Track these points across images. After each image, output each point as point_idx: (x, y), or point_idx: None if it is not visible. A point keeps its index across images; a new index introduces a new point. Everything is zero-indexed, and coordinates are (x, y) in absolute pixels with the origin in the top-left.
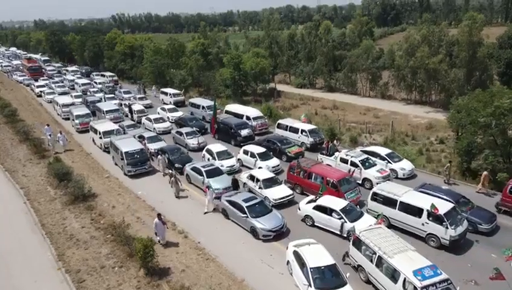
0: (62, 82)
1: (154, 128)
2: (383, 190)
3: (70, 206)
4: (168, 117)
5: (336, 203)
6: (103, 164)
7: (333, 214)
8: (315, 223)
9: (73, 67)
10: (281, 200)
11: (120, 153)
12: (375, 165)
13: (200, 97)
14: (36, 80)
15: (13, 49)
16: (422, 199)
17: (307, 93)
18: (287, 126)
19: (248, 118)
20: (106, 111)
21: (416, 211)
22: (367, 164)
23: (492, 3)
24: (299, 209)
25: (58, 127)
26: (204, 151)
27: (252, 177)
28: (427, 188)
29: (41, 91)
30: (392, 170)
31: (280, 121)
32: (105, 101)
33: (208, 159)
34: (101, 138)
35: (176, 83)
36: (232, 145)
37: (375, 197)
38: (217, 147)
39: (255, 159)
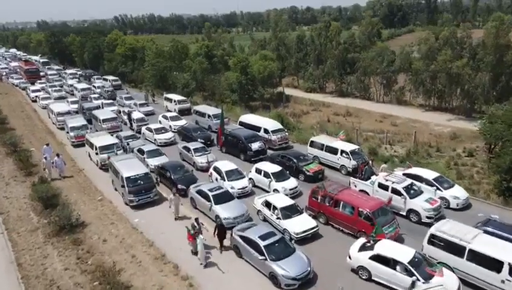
0: (61, 86)
1: (155, 140)
2: (445, 233)
3: (54, 239)
4: (170, 126)
5: (401, 252)
6: (97, 183)
7: (398, 267)
8: (373, 278)
9: (72, 70)
10: (304, 234)
11: (121, 178)
12: (422, 192)
13: (204, 104)
14: (33, 84)
15: (13, 50)
16: (501, 247)
17: (316, 98)
18: (323, 145)
19: (266, 131)
20: (103, 120)
21: (494, 264)
22: (412, 191)
23: (501, 4)
24: (350, 257)
25: (51, 138)
26: (211, 170)
27: (267, 204)
28: (494, 226)
29: (36, 96)
30: (442, 198)
31: (314, 139)
32: (103, 107)
33: (216, 179)
34: (97, 153)
35: (178, 87)
36: (241, 160)
37: (434, 240)
38: (226, 165)
39: (270, 179)
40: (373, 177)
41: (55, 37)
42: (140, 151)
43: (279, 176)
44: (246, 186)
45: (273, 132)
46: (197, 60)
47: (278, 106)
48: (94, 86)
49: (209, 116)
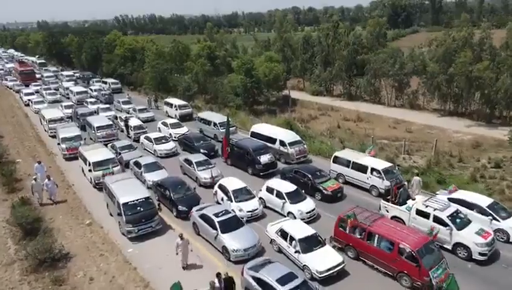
0: (57, 89)
1: (154, 151)
2: None
3: (32, 276)
4: (170, 134)
5: None
6: (88, 202)
7: None
8: None
9: (69, 72)
10: (329, 272)
11: (117, 204)
12: (470, 222)
13: (207, 109)
14: (27, 86)
15: (11, 51)
16: None
17: (324, 102)
18: (349, 162)
19: (283, 143)
20: (97, 127)
21: None
22: (458, 220)
23: (507, 4)
24: None
25: (41, 147)
26: (216, 188)
27: (283, 234)
28: None
29: (29, 99)
30: (498, 230)
31: (339, 154)
32: (98, 113)
33: (222, 199)
34: (90, 170)
35: (180, 90)
36: (249, 174)
37: None
38: (233, 182)
39: (284, 201)
40: (409, 202)
41: (52, 37)
42: (137, 164)
43: (294, 197)
44: (257, 209)
45: (291, 144)
46: (199, 62)
47: (285, 110)
48: (91, 89)
49: (215, 124)
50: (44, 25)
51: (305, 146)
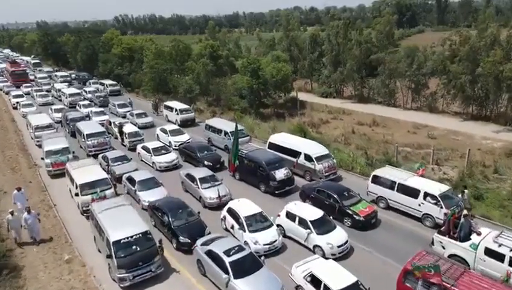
0: (48, 91)
1: (153, 163)
2: None
3: None
4: (169, 142)
5: None
6: (71, 230)
7: None
8: None
9: (63, 72)
10: None
11: (106, 241)
12: None
13: (214, 115)
14: (18, 87)
15: (7, 51)
16: None
17: (334, 104)
18: (394, 183)
19: (308, 157)
20: (87, 135)
21: None
22: None
23: None
24: None
25: (24, 157)
26: (225, 212)
27: (315, 281)
28: None
29: (17, 102)
30: None
31: (379, 173)
32: (90, 118)
33: (232, 227)
34: (77, 194)
35: (180, 92)
36: (262, 191)
37: None
38: (245, 206)
39: (308, 231)
40: (474, 237)
41: (48, 36)
42: (131, 180)
43: (321, 226)
44: (275, 240)
45: (318, 158)
46: (200, 62)
47: (294, 114)
48: (85, 91)
49: (226, 133)
50: (44, 25)
51: (334, 161)
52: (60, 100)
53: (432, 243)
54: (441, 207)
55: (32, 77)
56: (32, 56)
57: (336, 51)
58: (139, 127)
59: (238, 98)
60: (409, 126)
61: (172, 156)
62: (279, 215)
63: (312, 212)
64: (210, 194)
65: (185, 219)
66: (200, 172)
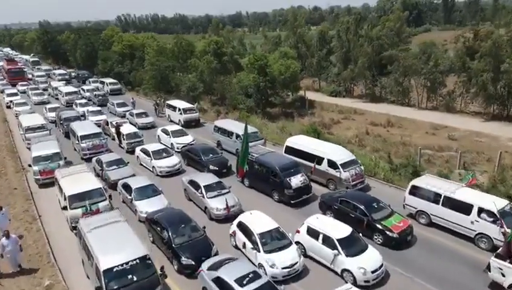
0: (45, 89)
1: (153, 167)
2: None
3: None
4: (171, 144)
5: None
6: (57, 248)
7: None
8: None
9: (60, 71)
10: None
11: (95, 267)
12: None
13: (222, 117)
14: (14, 86)
15: (7, 49)
16: None
17: (344, 104)
18: (439, 196)
19: (332, 163)
20: (81, 136)
21: None
22: None
23: None
24: None
25: (12, 160)
26: (235, 227)
27: None
28: None
29: (11, 101)
30: None
31: (419, 184)
32: (86, 118)
33: (243, 245)
34: (65, 207)
35: (183, 90)
36: (275, 200)
37: None
38: (260, 221)
39: (335, 252)
40: None
41: (48, 34)
42: (126, 187)
43: (351, 245)
44: (296, 263)
45: (344, 165)
46: (204, 59)
47: (303, 114)
48: (83, 89)
49: (238, 136)
50: (46, 25)
51: (362, 168)
52: (57, 99)
53: (488, 268)
54: (500, 226)
55: (30, 76)
56: (32, 54)
57: (346, 48)
58: (139, 128)
59: (244, 97)
60: (427, 127)
61: (174, 160)
62: (298, 232)
63: (339, 229)
64: (217, 204)
65: (188, 235)
66: (205, 178)
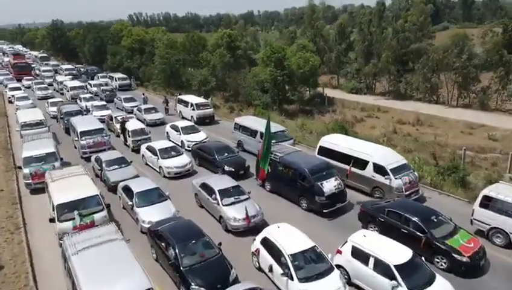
0: (50, 84)
1: (160, 168)
2: None
3: None
4: (182, 141)
5: None
6: (39, 264)
7: None
8: None
9: (67, 66)
10: None
11: None
12: None
13: (249, 115)
14: (19, 80)
15: (18, 46)
16: None
17: (366, 101)
18: None
19: (379, 168)
20: (81, 133)
21: None
22: None
23: None
24: None
25: (4, 157)
26: (259, 244)
27: None
28: None
29: (12, 95)
30: None
31: (493, 194)
32: (90, 112)
33: (270, 270)
34: (52, 219)
35: (194, 85)
36: (303, 209)
37: None
38: (290, 237)
39: (394, 283)
40: None
41: (57, 30)
42: (128, 191)
43: (413, 274)
44: None
45: (394, 171)
46: (217, 52)
47: (323, 111)
48: (90, 84)
49: (262, 135)
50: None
51: (415, 174)
52: (62, 94)
53: None
54: None
55: (38, 72)
56: (41, 51)
57: (368, 42)
58: (147, 125)
59: (260, 93)
60: (461, 126)
61: (184, 160)
62: (339, 252)
63: (396, 251)
64: (234, 213)
65: (199, 254)
66: (220, 182)
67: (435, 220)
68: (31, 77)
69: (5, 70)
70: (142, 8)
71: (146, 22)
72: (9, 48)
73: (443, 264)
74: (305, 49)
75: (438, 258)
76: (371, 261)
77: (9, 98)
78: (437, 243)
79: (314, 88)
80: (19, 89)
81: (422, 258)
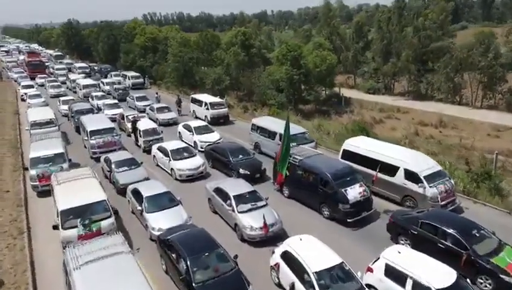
0: (63, 82)
1: (172, 170)
2: None
3: None
4: (195, 142)
5: None
6: (41, 273)
7: None
8: None
9: (80, 64)
10: None
11: None
12: None
13: (264, 115)
14: (33, 78)
15: (34, 45)
16: None
17: (384, 101)
18: None
19: (411, 174)
20: (91, 132)
21: None
22: None
23: None
24: None
25: (12, 157)
26: (279, 259)
27: None
28: None
29: (25, 93)
30: None
31: None
32: (102, 110)
33: (292, 287)
34: (55, 227)
35: (208, 84)
36: (324, 217)
37: None
38: (314, 251)
39: None
40: None
41: (72, 29)
42: (137, 194)
43: None
44: None
45: (428, 178)
46: (231, 51)
47: (340, 112)
48: (102, 82)
49: (281, 136)
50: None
51: (452, 182)
52: (75, 92)
53: None
54: None
55: (52, 70)
56: (56, 49)
57: (387, 40)
58: (160, 124)
59: (275, 92)
60: (486, 128)
61: (197, 161)
62: (370, 270)
63: (437, 272)
64: (251, 221)
65: (213, 268)
66: (235, 186)
67: (477, 234)
68: (45, 75)
69: (20, 68)
70: (156, 8)
71: (160, 22)
72: (26, 46)
73: (487, 285)
74: (321, 47)
75: (481, 279)
76: (409, 282)
77: (22, 95)
78: (481, 262)
79: (330, 88)
80: (31, 87)
81: (468, 280)
